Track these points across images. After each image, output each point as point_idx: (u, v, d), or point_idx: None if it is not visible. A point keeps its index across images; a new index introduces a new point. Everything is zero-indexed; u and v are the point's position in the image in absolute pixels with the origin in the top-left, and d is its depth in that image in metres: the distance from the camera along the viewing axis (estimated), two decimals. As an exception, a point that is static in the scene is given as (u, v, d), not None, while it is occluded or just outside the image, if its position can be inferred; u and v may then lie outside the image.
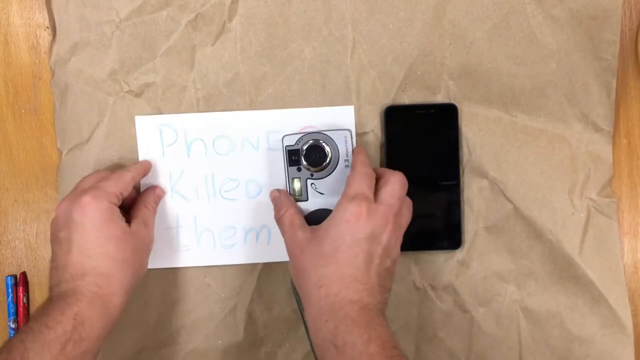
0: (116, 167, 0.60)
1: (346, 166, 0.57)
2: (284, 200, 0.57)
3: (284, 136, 0.58)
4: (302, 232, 0.53)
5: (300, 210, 0.57)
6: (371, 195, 0.52)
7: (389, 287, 0.52)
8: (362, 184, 0.52)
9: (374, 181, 0.53)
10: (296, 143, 0.58)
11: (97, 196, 0.52)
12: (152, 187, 0.60)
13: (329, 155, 0.57)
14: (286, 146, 0.58)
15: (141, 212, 0.57)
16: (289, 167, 0.58)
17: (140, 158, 0.60)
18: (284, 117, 0.60)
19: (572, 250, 0.60)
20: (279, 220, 0.56)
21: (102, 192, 0.53)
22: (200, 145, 0.60)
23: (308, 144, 0.57)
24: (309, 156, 0.57)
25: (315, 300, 0.50)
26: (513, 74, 0.60)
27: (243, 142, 0.60)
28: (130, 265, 0.53)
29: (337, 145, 0.57)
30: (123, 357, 0.61)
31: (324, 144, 0.57)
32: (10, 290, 0.62)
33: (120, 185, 0.55)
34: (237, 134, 0.60)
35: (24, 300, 0.62)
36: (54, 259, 0.53)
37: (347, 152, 0.57)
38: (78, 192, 0.53)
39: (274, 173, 0.60)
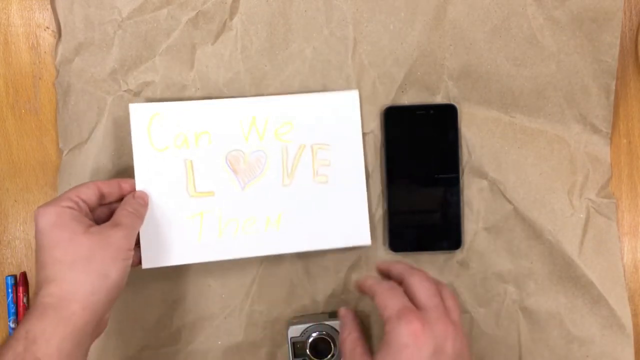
0: (115, 168, 0.60)
1: None
2: (349, 323, 0.53)
3: (290, 327, 0.58)
4: None
5: (363, 336, 0.52)
6: (412, 305, 0.47)
7: None
8: (396, 298, 0.47)
9: (402, 289, 0.49)
10: (301, 335, 0.58)
11: (47, 204, 0.50)
12: (133, 192, 0.57)
13: (334, 347, 0.58)
14: (291, 338, 0.58)
15: (115, 214, 0.54)
16: (294, 359, 0.59)
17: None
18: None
19: (572, 251, 0.60)
20: (342, 341, 0.52)
21: (54, 200, 0.51)
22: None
23: (313, 336, 0.58)
24: (314, 348, 0.58)
25: None
26: (513, 75, 0.60)
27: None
28: (87, 264, 0.48)
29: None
30: (124, 357, 0.61)
31: (328, 335, 0.58)
32: (10, 290, 0.62)
33: (79, 189, 0.52)
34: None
35: (24, 300, 0.62)
36: None
37: None
38: None
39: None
